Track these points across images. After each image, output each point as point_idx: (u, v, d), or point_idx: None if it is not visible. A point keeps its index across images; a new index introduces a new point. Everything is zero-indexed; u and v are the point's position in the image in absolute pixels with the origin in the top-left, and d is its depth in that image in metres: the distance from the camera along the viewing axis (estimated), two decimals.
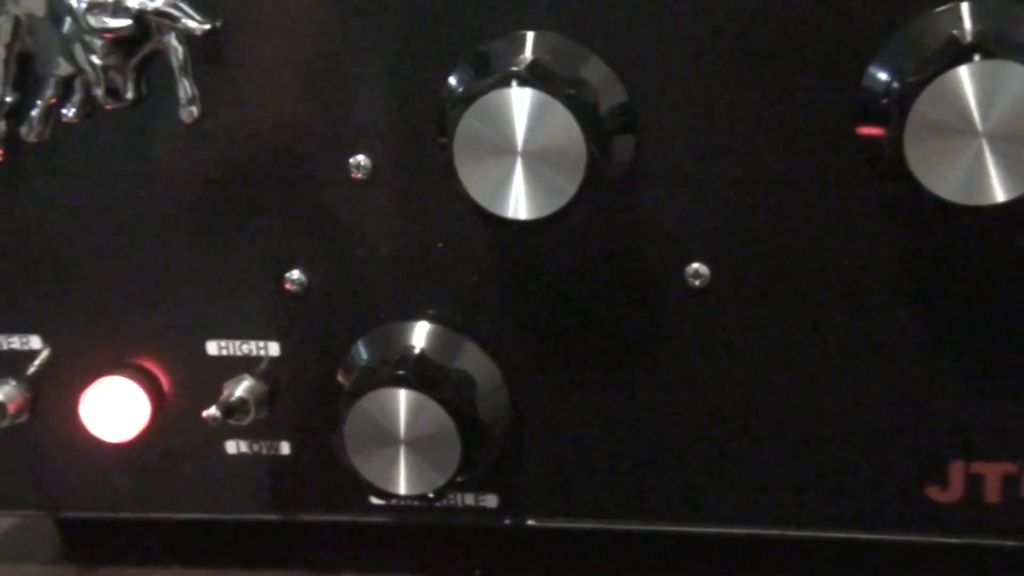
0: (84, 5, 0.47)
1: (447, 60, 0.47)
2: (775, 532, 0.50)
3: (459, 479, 0.48)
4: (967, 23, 0.41)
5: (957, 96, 0.39)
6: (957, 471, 0.48)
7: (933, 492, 0.48)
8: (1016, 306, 0.46)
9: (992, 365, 0.47)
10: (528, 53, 0.45)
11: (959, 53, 0.39)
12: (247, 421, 0.52)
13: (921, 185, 0.40)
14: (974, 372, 0.47)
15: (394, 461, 0.48)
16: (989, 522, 0.48)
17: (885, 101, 0.41)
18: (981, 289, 0.46)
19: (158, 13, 0.47)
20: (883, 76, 0.43)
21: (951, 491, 0.48)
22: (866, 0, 0.43)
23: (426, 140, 0.48)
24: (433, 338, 0.50)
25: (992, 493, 0.48)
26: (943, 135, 0.39)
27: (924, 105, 0.39)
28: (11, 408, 0.53)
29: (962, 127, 0.39)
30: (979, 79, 0.39)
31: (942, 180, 0.40)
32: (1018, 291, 0.45)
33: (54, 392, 0.54)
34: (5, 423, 0.53)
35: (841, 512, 0.49)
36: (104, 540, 0.59)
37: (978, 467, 0.48)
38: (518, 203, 0.43)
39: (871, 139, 0.43)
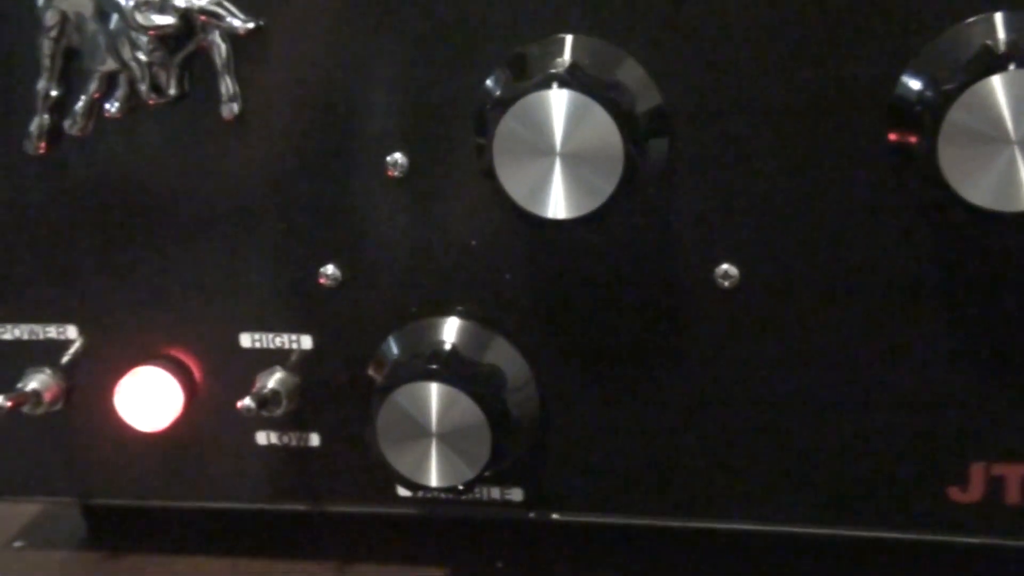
0: (132, 2, 0.48)
1: (485, 62, 0.47)
2: (799, 530, 0.51)
3: (488, 472, 0.49)
4: (1001, 33, 0.42)
5: (991, 104, 0.40)
6: (978, 472, 0.48)
7: (954, 493, 0.49)
8: None
9: (1015, 368, 0.47)
10: (567, 56, 0.45)
11: (993, 62, 0.40)
12: (279, 412, 0.52)
13: (953, 191, 0.41)
14: (997, 375, 0.47)
15: (425, 454, 0.49)
16: (1010, 523, 0.49)
17: (918, 108, 0.42)
18: (1009, 293, 0.46)
19: (203, 12, 0.48)
20: (917, 84, 0.43)
21: (972, 492, 0.49)
22: (900, 8, 0.44)
23: (461, 140, 0.49)
24: (464, 333, 0.51)
25: (1013, 495, 0.48)
26: (976, 143, 0.40)
27: (958, 113, 0.40)
28: (47, 396, 0.54)
29: (995, 135, 0.40)
30: (1013, 88, 0.39)
31: (975, 186, 0.41)
32: None
33: (89, 381, 0.55)
34: (40, 411, 0.54)
35: (863, 511, 0.50)
36: (130, 528, 0.60)
37: (999, 468, 0.48)
38: (557, 203, 0.44)
39: (903, 145, 0.44)
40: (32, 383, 0.54)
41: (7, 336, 0.55)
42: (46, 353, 0.55)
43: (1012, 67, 0.39)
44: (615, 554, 0.56)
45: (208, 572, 0.56)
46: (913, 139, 0.42)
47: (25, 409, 0.54)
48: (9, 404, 0.53)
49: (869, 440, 0.49)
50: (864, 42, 0.45)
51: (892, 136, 0.44)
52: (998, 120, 0.40)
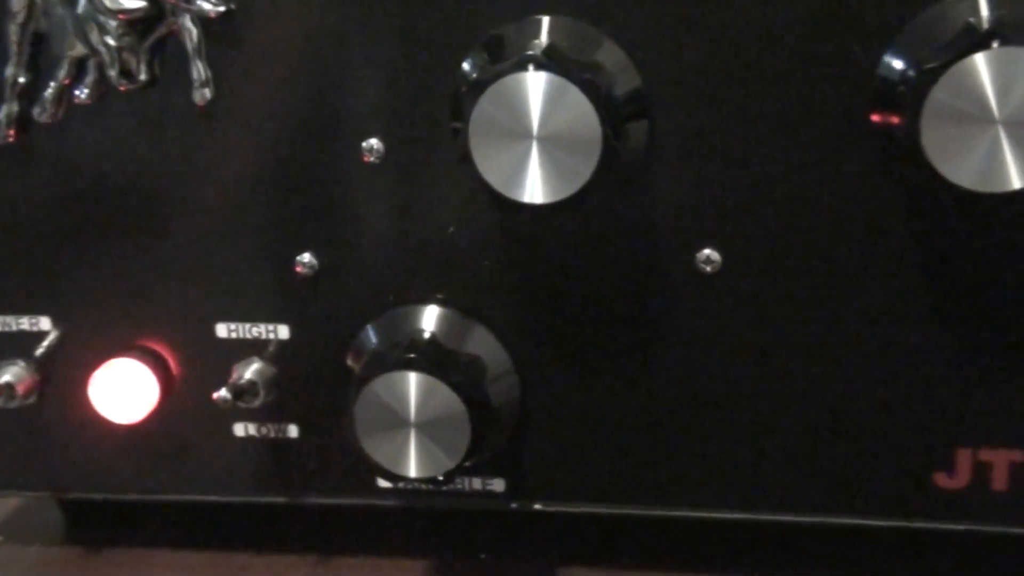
0: None
1: (461, 44, 0.47)
2: (782, 518, 0.50)
3: (468, 463, 0.49)
4: (984, 10, 0.41)
5: (974, 83, 0.39)
6: (964, 458, 0.48)
7: (940, 479, 0.49)
8: None
9: (1001, 353, 0.47)
10: (544, 37, 0.45)
11: (976, 40, 0.39)
12: (256, 404, 0.52)
13: (937, 172, 0.40)
14: (983, 359, 0.47)
15: (404, 444, 0.48)
16: (996, 509, 0.48)
17: (901, 88, 0.41)
18: (994, 276, 0.46)
19: None
20: (899, 63, 0.43)
21: (958, 478, 0.48)
22: None
23: (438, 124, 0.48)
24: (443, 322, 0.50)
25: (999, 480, 0.48)
26: (960, 122, 0.40)
27: (941, 92, 0.39)
28: (20, 389, 0.53)
29: (979, 114, 0.39)
30: (996, 66, 0.39)
31: (958, 167, 0.40)
32: None
33: (63, 374, 0.54)
34: (14, 404, 0.53)
35: (849, 498, 0.50)
36: (109, 522, 0.59)
37: (986, 454, 0.48)
38: (534, 187, 0.43)
39: (886, 126, 0.43)
40: (5, 376, 0.53)
41: None
42: (19, 345, 0.54)
43: (995, 45, 0.39)
44: (598, 543, 0.55)
45: (188, 566, 0.56)
46: (896, 120, 0.42)
47: None
48: None
49: (854, 426, 0.49)
50: (846, 21, 0.44)
51: (875, 117, 0.44)
52: (981, 99, 0.39)
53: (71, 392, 0.54)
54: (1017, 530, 0.49)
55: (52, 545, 0.59)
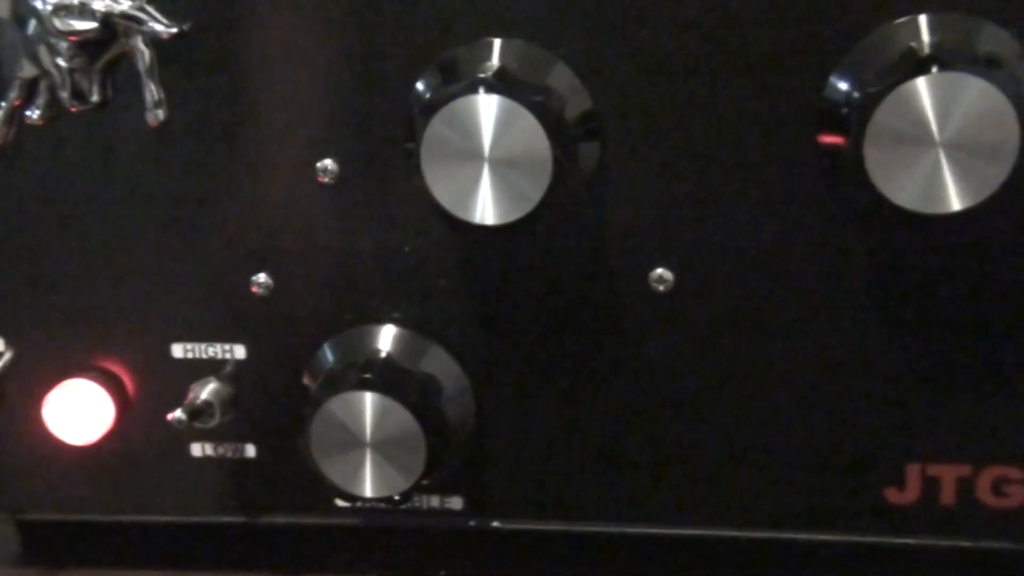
0: (50, 7, 0.47)
1: (414, 65, 0.47)
2: (736, 533, 0.51)
3: (425, 482, 0.49)
4: (925, 35, 0.42)
5: (915, 107, 0.40)
6: (914, 473, 0.49)
7: (891, 494, 0.49)
8: (974, 310, 0.47)
9: (949, 369, 0.48)
10: (495, 60, 0.45)
11: (917, 65, 0.40)
12: (212, 423, 0.52)
13: (880, 193, 0.41)
14: (932, 375, 0.48)
15: (360, 464, 0.48)
16: (945, 523, 0.49)
17: (845, 110, 0.42)
18: (938, 293, 0.46)
19: (124, 16, 0.47)
20: (844, 86, 0.43)
21: (908, 492, 0.49)
22: (828, 11, 0.44)
23: (393, 145, 0.48)
24: (399, 342, 0.50)
25: (948, 495, 0.49)
26: (901, 145, 0.40)
27: (883, 115, 0.40)
28: None
29: (920, 137, 0.40)
30: (936, 90, 0.39)
31: (900, 188, 0.41)
32: (975, 295, 0.46)
33: (17, 394, 0.54)
34: None
35: (800, 513, 0.50)
36: (67, 542, 0.59)
37: (935, 469, 0.48)
38: (485, 208, 0.44)
39: (832, 147, 0.44)
40: None
41: None
42: None
43: (935, 69, 0.39)
44: (557, 561, 0.55)
45: None
46: (841, 141, 0.42)
47: None
48: None
49: (806, 442, 0.49)
50: (795, 43, 0.44)
51: (822, 138, 0.44)
52: (922, 122, 0.40)
53: (26, 412, 0.54)
54: (965, 543, 0.49)
55: (8, 566, 0.58)
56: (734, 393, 0.49)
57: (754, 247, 0.47)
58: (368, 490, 0.48)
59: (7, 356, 0.53)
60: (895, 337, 0.47)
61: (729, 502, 0.50)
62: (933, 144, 0.40)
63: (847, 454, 0.49)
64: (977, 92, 0.39)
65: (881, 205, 0.41)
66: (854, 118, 0.41)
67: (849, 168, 0.41)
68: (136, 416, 0.54)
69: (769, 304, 0.48)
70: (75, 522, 0.57)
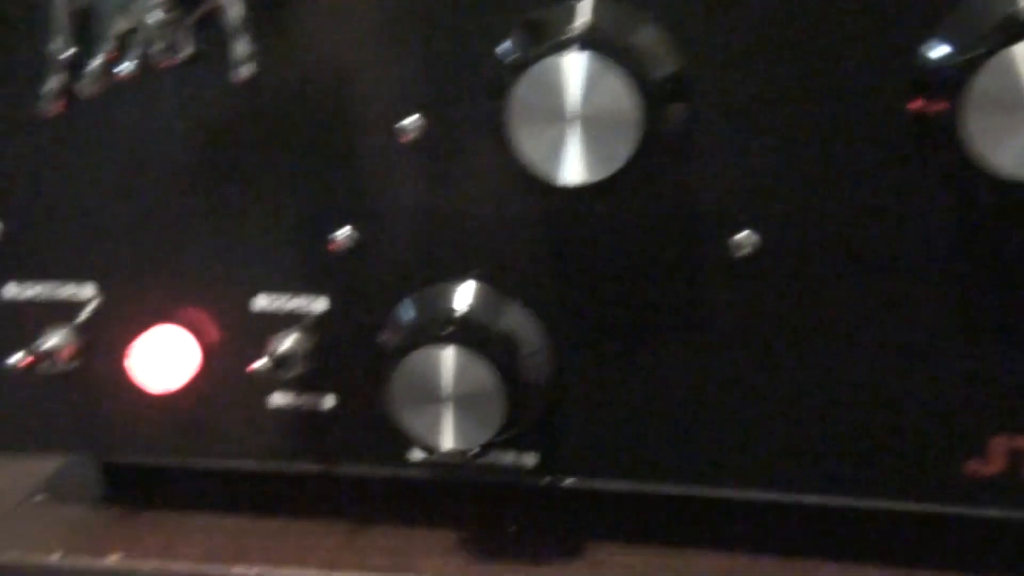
0: None
1: (502, 24, 0.47)
2: (815, 499, 0.51)
3: (502, 437, 0.49)
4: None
5: (1013, 73, 0.39)
6: (998, 445, 0.48)
7: (973, 466, 0.48)
8: None
9: None
10: (585, 18, 0.45)
11: (1016, 31, 0.39)
12: (293, 374, 0.53)
13: (975, 160, 0.40)
14: (1018, 347, 0.47)
15: (439, 417, 0.49)
16: None
17: (940, 77, 0.41)
18: None
19: None
20: (938, 52, 0.42)
21: (992, 465, 0.48)
22: None
23: (478, 103, 0.48)
24: (479, 298, 0.51)
25: None
26: (998, 111, 0.39)
27: (980, 81, 0.39)
28: (63, 354, 0.54)
29: (1018, 104, 0.39)
30: None
31: (997, 155, 0.40)
32: None
33: (105, 340, 0.55)
34: (57, 369, 0.54)
35: (881, 482, 0.50)
36: (147, 485, 0.61)
37: (1020, 442, 0.48)
38: (572, 168, 0.44)
39: (924, 115, 0.43)
40: (49, 341, 0.54)
41: (25, 294, 0.55)
42: (64, 311, 0.55)
43: None
44: (626, 521, 0.56)
45: (223, 530, 0.57)
46: (934, 108, 0.42)
47: (42, 367, 0.54)
48: (27, 362, 0.53)
49: (888, 411, 0.49)
50: (887, 8, 0.44)
51: (913, 105, 0.44)
52: (1021, 89, 0.39)
53: (113, 358, 0.55)
54: None
55: (93, 506, 0.60)
56: (814, 359, 0.49)
57: (839, 213, 0.47)
58: (447, 443, 0.49)
59: (96, 302, 0.55)
60: (982, 306, 0.47)
61: (808, 468, 0.50)
62: None
63: (929, 424, 0.49)
64: None
65: (974, 172, 0.40)
66: (949, 84, 0.40)
67: (943, 135, 0.41)
68: (218, 365, 0.55)
69: (852, 272, 0.47)
70: (156, 466, 0.59)
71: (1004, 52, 0.39)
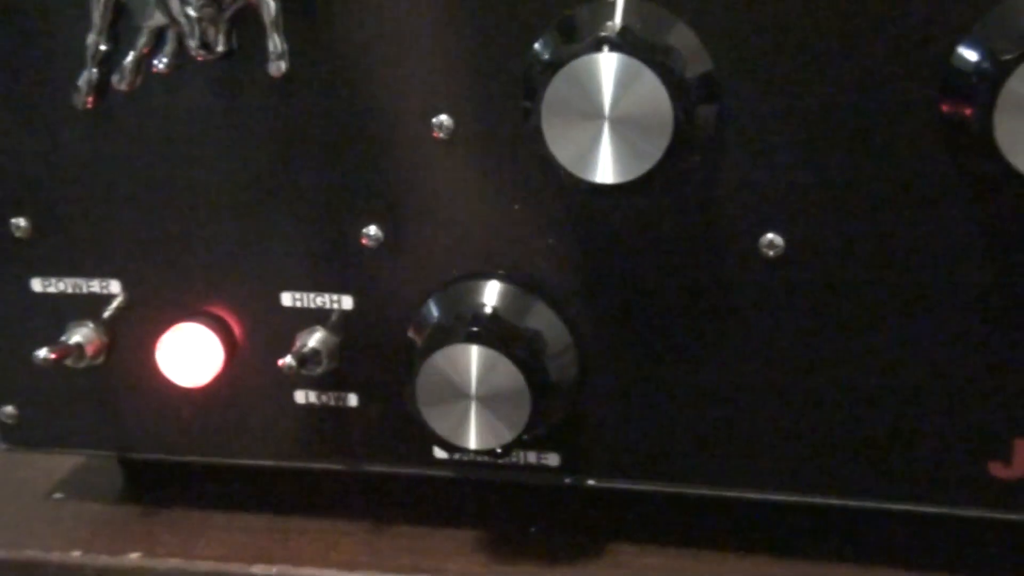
0: None
1: (534, 23, 0.47)
2: (837, 502, 0.51)
3: (527, 436, 0.49)
4: None
5: None
6: (1022, 447, 0.48)
7: (996, 468, 0.49)
8: None
9: None
10: (618, 19, 0.45)
11: None
12: (319, 372, 0.53)
13: (1009, 164, 0.40)
14: None
15: (464, 416, 0.49)
16: None
17: (974, 79, 0.42)
18: None
19: None
20: (973, 54, 0.43)
21: (1015, 468, 0.48)
22: None
23: (507, 103, 0.48)
24: (505, 297, 0.51)
25: None
26: None
27: (1016, 84, 0.39)
28: (89, 350, 0.55)
29: None
30: None
31: None
32: None
33: (130, 336, 0.55)
34: (82, 364, 0.55)
35: (904, 485, 0.50)
36: (167, 483, 0.61)
37: None
38: (604, 168, 0.44)
39: (956, 117, 0.43)
40: (75, 337, 0.54)
41: (51, 289, 0.55)
42: (89, 307, 0.55)
43: None
44: (649, 522, 0.56)
45: (244, 528, 0.57)
46: (967, 111, 0.42)
47: (67, 362, 0.54)
48: (52, 357, 0.53)
49: (912, 413, 0.49)
50: (920, 11, 0.44)
51: (945, 107, 0.44)
52: None
53: (138, 355, 0.55)
54: None
55: (112, 504, 0.60)
56: (840, 361, 0.49)
57: (867, 216, 0.47)
58: (472, 442, 0.49)
59: (122, 298, 0.55)
60: (1009, 310, 0.47)
61: (829, 471, 0.50)
62: None
63: (953, 426, 0.49)
64: None
65: (1007, 176, 0.41)
66: (984, 87, 0.40)
67: (976, 138, 0.41)
68: (243, 362, 0.55)
69: (880, 275, 0.47)
70: (177, 463, 0.59)
71: None
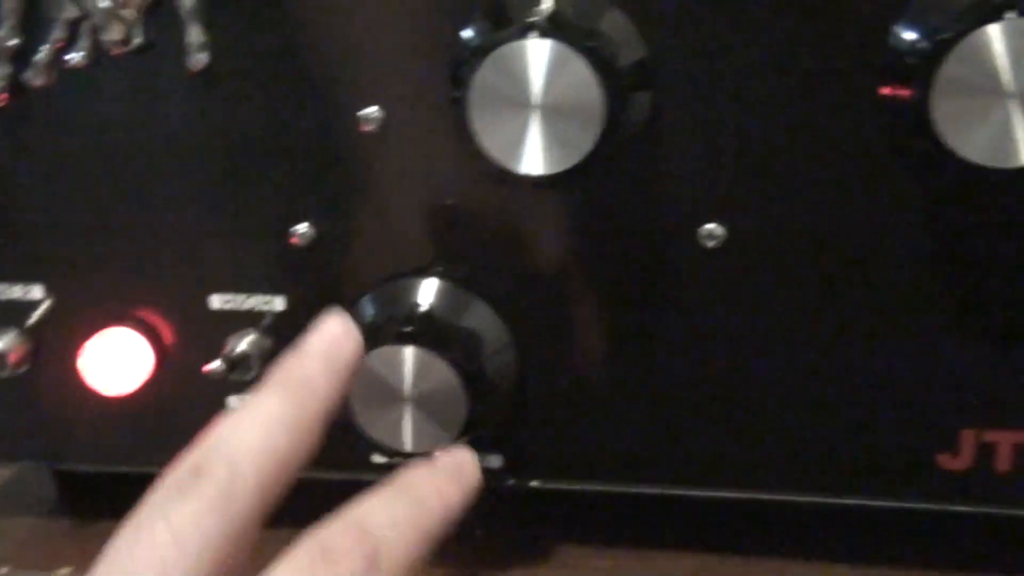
0: None
1: (463, 10, 0.46)
2: (783, 497, 0.50)
3: (465, 438, 0.48)
4: None
5: (986, 55, 0.38)
6: (968, 439, 0.47)
7: (944, 460, 0.48)
8: None
9: (1006, 333, 0.46)
10: (547, 4, 0.44)
11: (989, 11, 0.38)
12: (250, 376, 0.51)
13: (946, 146, 0.39)
14: (988, 340, 0.46)
15: (400, 419, 0.48)
16: (1000, 491, 0.48)
17: (911, 60, 0.41)
18: (1001, 254, 0.45)
19: None
20: (909, 34, 0.42)
21: (962, 459, 0.48)
22: None
23: (438, 93, 0.47)
24: (441, 295, 0.50)
25: (1003, 462, 0.47)
26: (971, 95, 0.39)
27: (952, 64, 0.39)
28: (11, 358, 0.53)
29: (991, 87, 0.39)
30: (1010, 38, 0.38)
31: (968, 141, 0.39)
32: None
33: (55, 343, 0.53)
34: (5, 373, 0.53)
35: (851, 478, 0.49)
36: (101, 493, 0.59)
37: (990, 435, 0.47)
38: (534, 158, 0.43)
39: (895, 99, 0.42)
40: None
41: None
42: (11, 314, 0.53)
43: (1009, 15, 0.38)
44: (596, 522, 0.55)
45: None
46: (905, 93, 0.41)
47: None
48: None
49: (857, 406, 0.48)
50: None
51: (884, 89, 0.43)
52: (994, 72, 0.38)
53: (64, 362, 0.54)
54: (1021, 512, 0.48)
55: (45, 516, 0.58)
56: (781, 354, 0.48)
57: (807, 203, 0.46)
58: (409, 445, 0.48)
59: (46, 304, 0.53)
60: (953, 297, 0.46)
61: (775, 465, 0.50)
62: (1005, 95, 0.38)
63: (900, 419, 0.48)
64: None
65: (946, 159, 0.40)
66: (921, 68, 0.39)
67: (914, 120, 0.40)
68: (173, 367, 0.53)
69: (822, 262, 0.46)
70: (111, 473, 0.57)
71: (972, 36, 0.38)
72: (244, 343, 0.51)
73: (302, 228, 0.50)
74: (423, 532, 0.37)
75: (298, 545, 0.35)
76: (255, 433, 0.37)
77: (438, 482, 0.39)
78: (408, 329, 0.47)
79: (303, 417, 0.38)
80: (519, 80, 0.42)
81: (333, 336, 0.40)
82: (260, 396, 0.39)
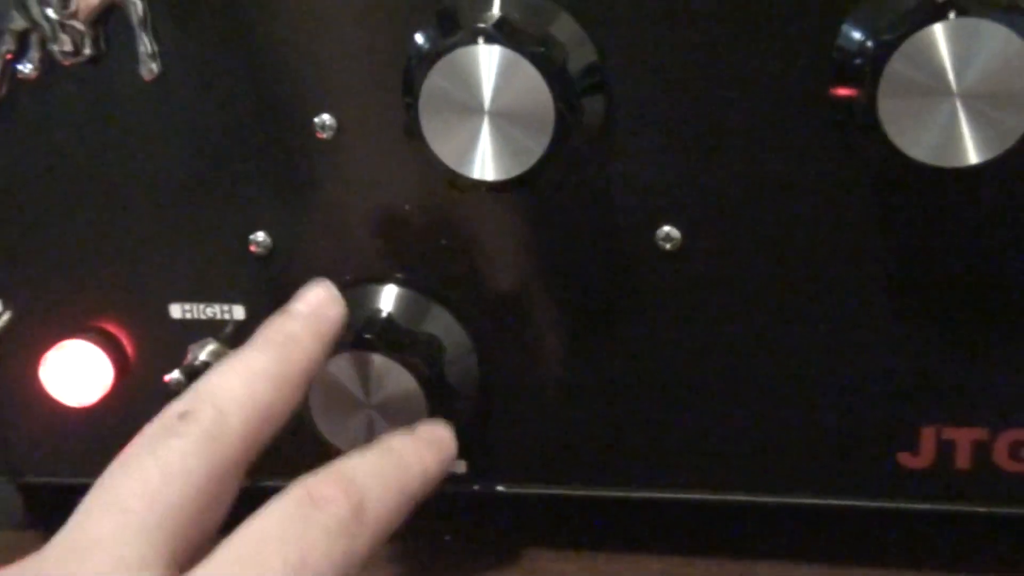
0: None
1: (414, 17, 0.45)
2: (745, 498, 0.50)
3: None
4: None
5: (931, 55, 0.38)
6: (928, 437, 0.47)
7: (904, 458, 0.48)
8: (989, 270, 0.45)
9: (964, 330, 0.46)
10: (496, 10, 0.44)
11: (934, 11, 0.38)
12: None
13: (894, 146, 0.39)
14: (947, 337, 0.46)
15: (360, 426, 0.48)
16: (960, 488, 0.48)
17: (859, 61, 0.40)
18: (953, 251, 0.45)
19: None
20: (857, 35, 0.42)
21: (922, 457, 0.48)
22: None
23: (393, 99, 0.47)
24: (401, 301, 0.49)
25: (963, 459, 0.47)
26: (917, 95, 0.39)
27: (898, 64, 0.38)
28: None
29: (936, 87, 0.38)
30: (954, 38, 0.38)
31: (915, 141, 0.39)
32: (991, 254, 0.45)
33: (14, 355, 0.53)
34: None
35: (812, 478, 0.49)
36: (68, 506, 0.58)
37: (950, 433, 0.47)
38: (485, 163, 0.43)
39: (845, 100, 0.42)
40: None
41: None
42: None
43: (953, 16, 0.38)
44: (562, 525, 0.55)
45: None
46: (854, 93, 0.41)
47: None
48: None
49: (817, 406, 0.48)
50: None
51: (835, 90, 0.43)
52: (939, 71, 0.38)
53: (24, 374, 0.53)
54: (980, 509, 0.48)
55: (10, 530, 0.58)
56: (740, 355, 0.48)
57: (763, 204, 0.46)
58: None
59: (5, 317, 0.53)
60: (909, 297, 0.46)
61: (738, 466, 0.49)
62: (950, 94, 0.38)
63: (860, 417, 0.48)
64: (997, 39, 0.38)
65: (895, 159, 0.40)
66: (867, 68, 0.39)
67: (862, 121, 0.40)
68: (135, 378, 0.53)
69: (779, 264, 0.46)
70: (76, 485, 0.57)
71: (917, 36, 0.38)
72: (205, 352, 0.51)
73: (260, 236, 0.50)
74: (405, 492, 0.39)
75: (287, 490, 0.38)
76: (241, 383, 0.39)
77: (420, 448, 0.41)
78: (368, 335, 0.47)
79: (288, 372, 0.40)
80: (469, 86, 0.42)
81: (319, 300, 0.43)
82: (247, 351, 0.41)
